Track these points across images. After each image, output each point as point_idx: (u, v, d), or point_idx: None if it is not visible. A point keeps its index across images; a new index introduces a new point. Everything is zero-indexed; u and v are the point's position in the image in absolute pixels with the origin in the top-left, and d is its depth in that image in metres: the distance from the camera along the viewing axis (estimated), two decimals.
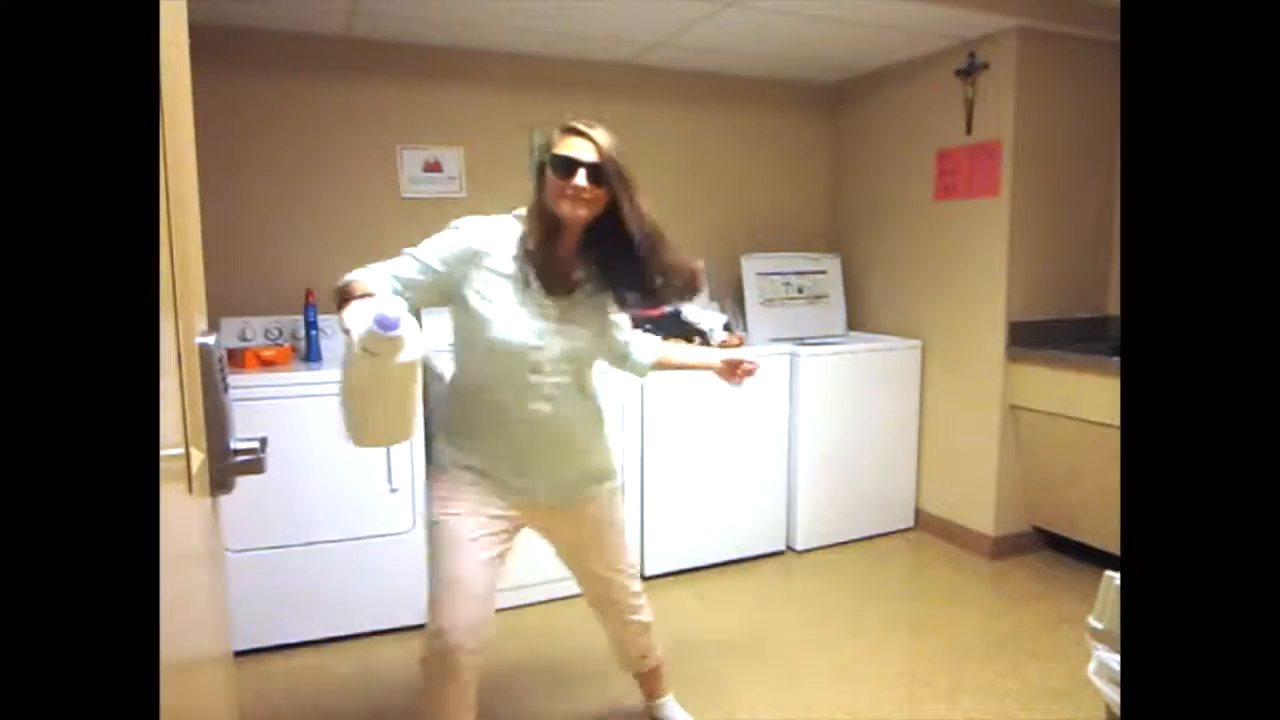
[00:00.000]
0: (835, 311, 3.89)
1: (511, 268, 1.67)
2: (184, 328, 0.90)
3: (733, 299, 3.81)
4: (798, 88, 3.98)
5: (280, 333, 2.99)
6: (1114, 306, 3.49)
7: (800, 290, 3.82)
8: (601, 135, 1.63)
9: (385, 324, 1.34)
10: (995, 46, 3.18)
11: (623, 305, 1.79)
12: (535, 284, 1.67)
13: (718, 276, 3.82)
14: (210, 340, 1.03)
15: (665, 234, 1.70)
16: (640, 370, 1.96)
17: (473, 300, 1.66)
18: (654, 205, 1.70)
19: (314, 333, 2.90)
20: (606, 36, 3.17)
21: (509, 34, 3.13)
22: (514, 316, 1.66)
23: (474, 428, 1.75)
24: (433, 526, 1.74)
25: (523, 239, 1.68)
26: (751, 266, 3.73)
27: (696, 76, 3.74)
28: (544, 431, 1.74)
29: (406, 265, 1.67)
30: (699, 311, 3.41)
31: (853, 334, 3.86)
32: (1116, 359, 2.94)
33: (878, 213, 3.84)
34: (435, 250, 1.68)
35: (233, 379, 1.29)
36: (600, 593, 1.97)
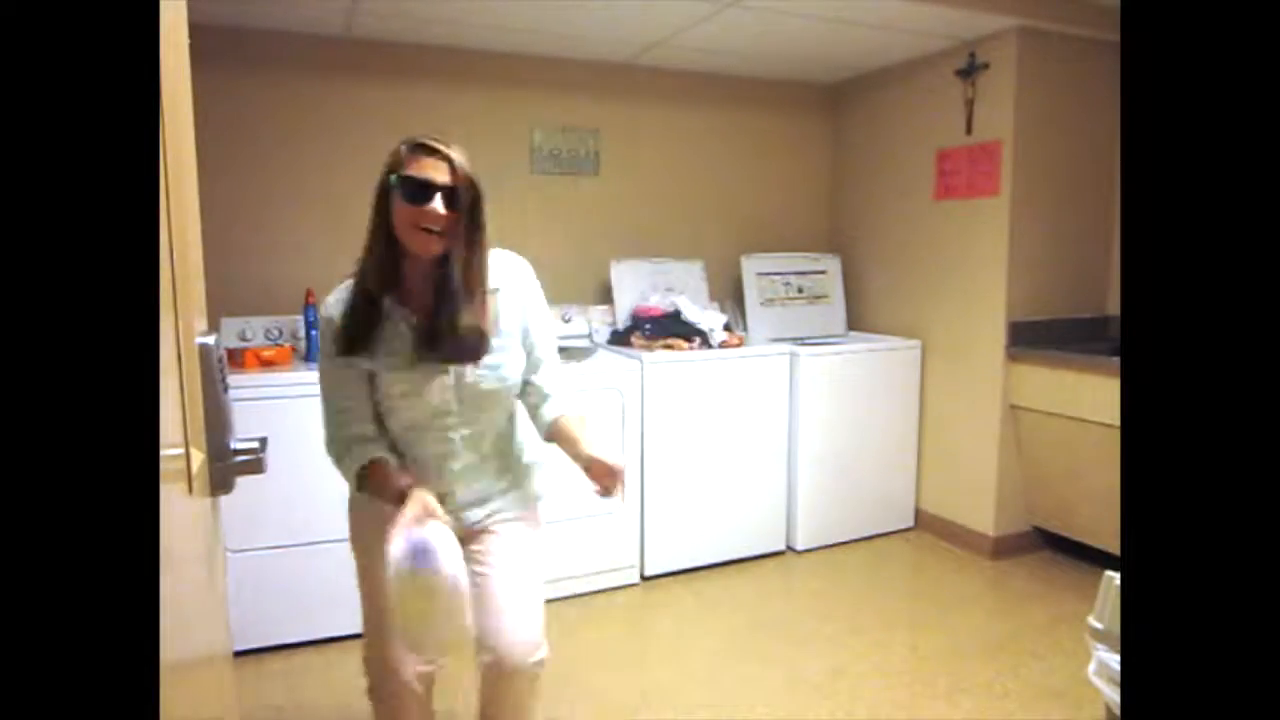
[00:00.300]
0: (835, 311, 3.89)
1: (376, 329, 1.49)
2: (184, 328, 0.90)
3: (733, 299, 3.82)
4: (798, 88, 3.98)
5: (280, 333, 2.99)
6: (1114, 306, 3.49)
7: (800, 290, 3.82)
8: (457, 153, 1.44)
9: (422, 556, 1.34)
10: (995, 46, 3.18)
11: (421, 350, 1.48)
12: (404, 338, 1.48)
13: (718, 277, 3.82)
14: (210, 340, 1.03)
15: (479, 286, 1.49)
16: (540, 429, 1.63)
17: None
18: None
19: (314, 333, 2.90)
20: (606, 36, 3.17)
21: (509, 34, 3.13)
22: (402, 382, 1.50)
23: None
24: (362, 563, 1.65)
25: (362, 294, 1.48)
26: (751, 266, 3.73)
27: (696, 76, 3.74)
28: (463, 465, 1.58)
29: (347, 388, 1.51)
30: (699, 311, 3.41)
31: (853, 334, 3.86)
32: (1116, 359, 2.95)
33: (878, 213, 3.85)
34: (335, 348, 1.51)
35: (233, 379, 1.28)
36: (493, 643, 1.59)
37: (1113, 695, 1.56)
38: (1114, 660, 1.55)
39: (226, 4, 2.72)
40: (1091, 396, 2.96)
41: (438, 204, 1.40)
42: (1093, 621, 1.61)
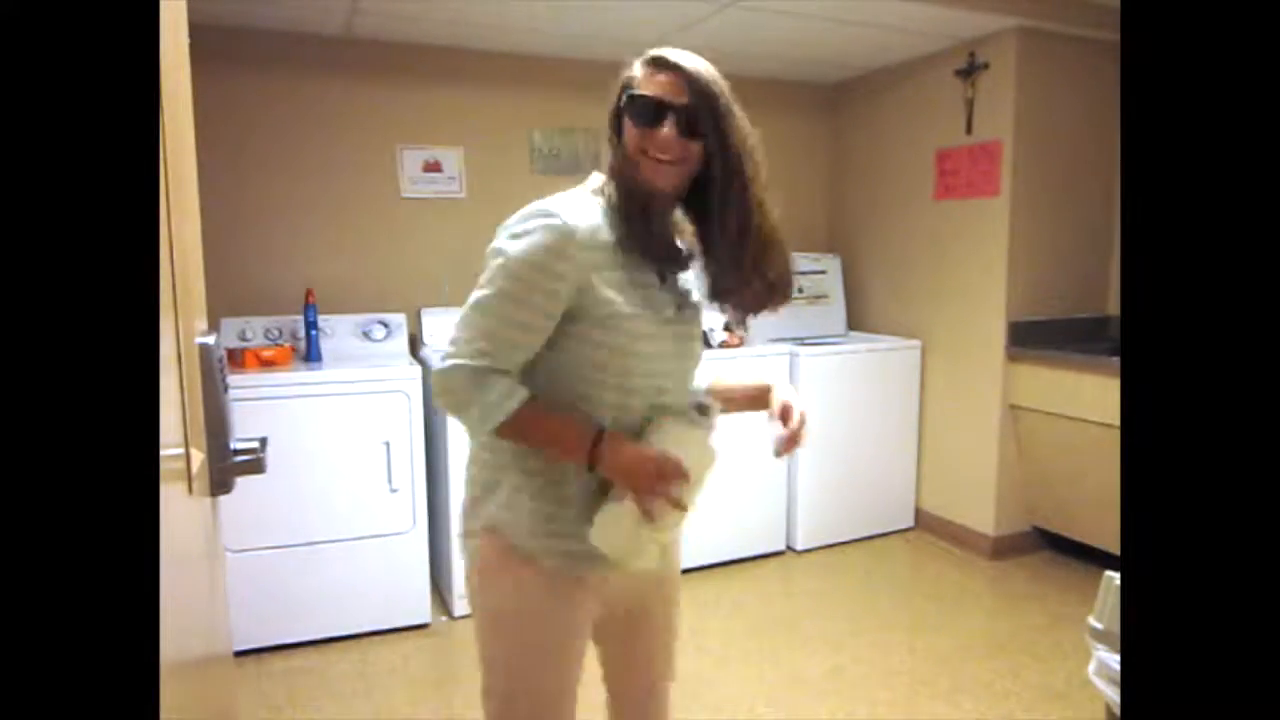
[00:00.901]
0: (835, 311, 3.89)
1: (618, 260, 1.19)
2: (184, 328, 0.90)
3: None
4: (798, 88, 3.98)
5: (280, 333, 2.99)
6: (1114, 306, 3.49)
7: (800, 290, 3.82)
8: (697, 64, 1.20)
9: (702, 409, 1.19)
10: (995, 46, 3.18)
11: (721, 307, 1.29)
12: (646, 274, 1.21)
13: None
14: (210, 340, 1.03)
15: (774, 221, 1.23)
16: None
17: (595, 320, 1.16)
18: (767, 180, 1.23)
19: (314, 333, 2.90)
20: (606, 36, 3.17)
21: (509, 34, 3.13)
22: (643, 329, 1.19)
23: (568, 492, 1.21)
24: (517, 639, 1.24)
25: (613, 215, 1.20)
26: None
27: None
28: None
29: (517, 330, 1.14)
30: None
31: (853, 334, 3.86)
32: (1116, 359, 2.95)
33: (878, 213, 3.85)
34: (546, 280, 1.13)
35: (233, 379, 1.29)
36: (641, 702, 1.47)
37: (1113, 695, 1.55)
38: (1114, 660, 1.55)
39: (226, 4, 2.72)
40: (1091, 396, 2.96)
41: (669, 128, 1.17)
42: (1093, 621, 1.61)
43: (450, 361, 1.15)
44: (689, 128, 1.18)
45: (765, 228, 1.21)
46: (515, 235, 1.15)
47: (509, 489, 1.22)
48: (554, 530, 1.22)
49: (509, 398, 1.15)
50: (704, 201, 1.22)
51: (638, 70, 1.22)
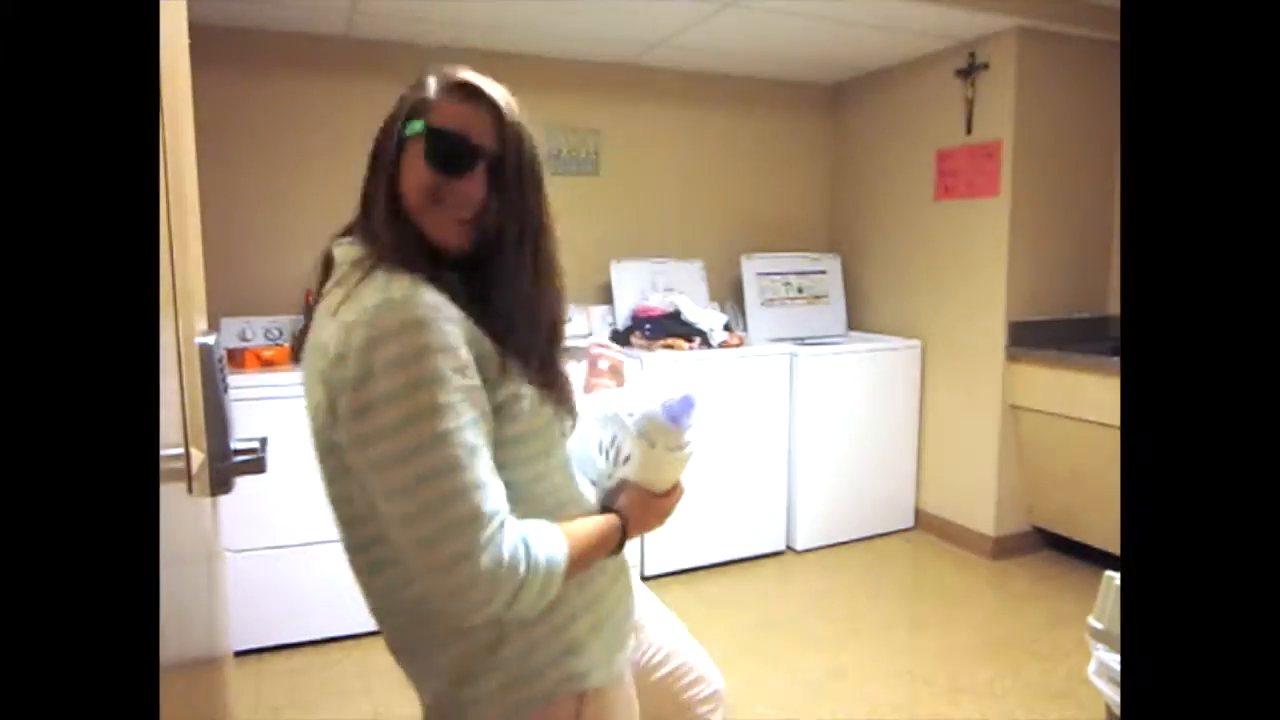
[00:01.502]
0: (835, 311, 3.89)
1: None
2: (184, 328, 0.90)
3: (733, 299, 3.82)
4: (798, 88, 3.98)
5: (280, 333, 2.99)
6: (1114, 306, 3.49)
7: (800, 290, 3.82)
8: (505, 95, 0.95)
9: (676, 415, 1.01)
10: (995, 46, 3.18)
11: None
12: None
13: (718, 277, 3.82)
14: (210, 340, 1.03)
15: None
16: None
17: (507, 414, 0.93)
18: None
19: None
20: (607, 36, 3.17)
21: (509, 34, 3.14)
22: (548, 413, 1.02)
23: (585, 580, 1.01)
24: None
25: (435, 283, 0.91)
26: (751, 266, 3.73)
27: (696, 76, 3.74)
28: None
29: (477, 452, 0.86)
30: (699, 311, 3.41)
31: (853, 334, 3.86)
32: (1116, 359, 2.95)
33: (878, 213, 3.85)
34: (467, 380, 0.86)
35: (233, 379, 1.29)
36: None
37: (1113, 695, 1.56)
38: (1114, 660, 1.55)
39: (226, 4, 2.72)
40: (1091, 396, 2.96)
41: (478, 179, 0.92)
42: (1093, 621, 1.61)
43: (471, 545, 0.83)
44: (500, 179, 0.92)
45: (560, 310, 0.99)
46: (390, 364, 0.82)
47: (558, 630, 0.96)
48: (609, 652, 1.01)
49: (548, 535, 0.91)
50: (486, 266, 0.94)
51: (433, 92, 0.94)
